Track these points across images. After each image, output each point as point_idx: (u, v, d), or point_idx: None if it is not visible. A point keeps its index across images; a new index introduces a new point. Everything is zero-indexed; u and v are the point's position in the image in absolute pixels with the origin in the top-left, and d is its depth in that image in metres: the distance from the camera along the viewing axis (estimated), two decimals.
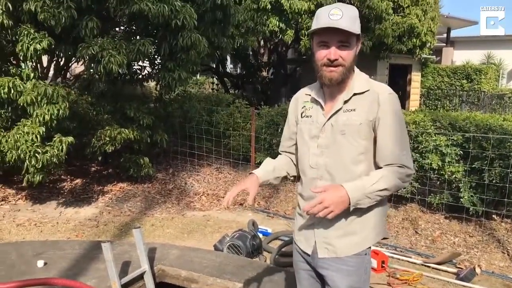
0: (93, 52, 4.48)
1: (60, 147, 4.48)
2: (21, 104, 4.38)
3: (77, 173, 6.13)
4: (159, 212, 5.10)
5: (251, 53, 13.02)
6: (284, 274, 3.07)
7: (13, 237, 4.18)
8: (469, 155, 4.40)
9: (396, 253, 3.98)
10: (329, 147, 1.64)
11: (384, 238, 1.79)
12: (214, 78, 14.87)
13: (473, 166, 4.38)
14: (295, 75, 13.17)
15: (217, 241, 3.97)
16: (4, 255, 3.33)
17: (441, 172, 4.60)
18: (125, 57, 4.67)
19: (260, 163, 2.04)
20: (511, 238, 4.23)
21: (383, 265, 3.59)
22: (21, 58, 4.68)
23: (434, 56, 15.08)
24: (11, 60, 5.28)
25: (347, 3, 7.29)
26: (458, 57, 17.88)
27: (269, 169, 1.78)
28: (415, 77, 13.38)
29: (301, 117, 1.75)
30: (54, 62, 5.46)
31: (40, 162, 4.34)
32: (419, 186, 4.84)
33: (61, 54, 5.10)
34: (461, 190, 4.45)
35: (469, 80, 13.60)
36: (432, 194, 4.75)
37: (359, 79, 1.64)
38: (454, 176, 4.52)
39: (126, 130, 5.23)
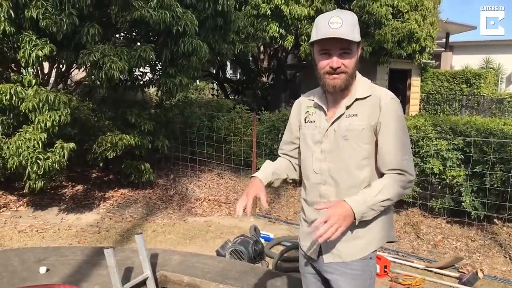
0: (94, 58, 4.50)
1: (62, 153, 4.49)
2: (23, 111, 4.38)
3: (78, 179, 6.14)
4: (161, 218, 5.09)
5: (251, 58, 13.07)
6: (286, 279, 3.05)
7: (14, 244, 4.18)
8: (470, 160, 4.41)
9: (398, 257, 3.98)
10: (332, 152, 1.64)
11: (391, 242, 1.79)
12: (214, 84, 14.91)
13: (475, 170, 4.39)
14: (295, 81, 13.21)
15: (219, 247, 3.97)
16: (6, 261, 3.32)
17: (443, 177, 4.60)
18: (126, 63, 4.68)
19: None
20: None
21: (385, 269, 3.60)
22: (23, 64, 4.70)
23: (434, 61, 15.12)
24: (13, 66, 5.30)
25: (346, 9, 7.33)
26: (457, 62, 17.92)
27: (270, 171, 1.78)
28: (415, 82, 13.40)
29: (305, 122, 1.75)
30: (56, 68, 5.48)
31: (42, 169, 4.33)
32: (421, 190, 4.84)
33: (63, 61, 5.11)
34: (462, 194, 4.45)
35: (469, 84, 13.63)
36: (433, 199, 4.75)
37: (361, 84, 1.65)
38: (455, 180, 4.52)
39: (127, 136, 5.24)
